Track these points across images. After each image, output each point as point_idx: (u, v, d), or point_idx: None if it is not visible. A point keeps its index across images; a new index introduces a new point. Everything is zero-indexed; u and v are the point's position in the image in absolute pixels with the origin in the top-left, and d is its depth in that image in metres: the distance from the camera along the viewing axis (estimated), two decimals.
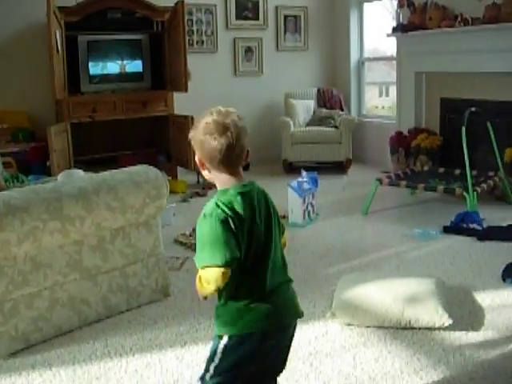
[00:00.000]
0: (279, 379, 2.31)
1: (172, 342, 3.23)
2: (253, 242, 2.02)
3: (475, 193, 5.25)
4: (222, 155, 1.99)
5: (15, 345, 3.17)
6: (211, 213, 1.98)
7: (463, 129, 5.33)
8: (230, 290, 2.05)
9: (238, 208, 1.99)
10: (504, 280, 3.93)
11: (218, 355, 2.10)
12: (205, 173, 2.10)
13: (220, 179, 2.07)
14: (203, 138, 2.00)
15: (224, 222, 1.96)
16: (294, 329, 2.21)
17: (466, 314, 3.44)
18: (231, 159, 2.01)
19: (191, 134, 2.06)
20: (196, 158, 2.08)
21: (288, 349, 2.24)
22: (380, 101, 9.32)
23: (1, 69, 6.95)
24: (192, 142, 2.06)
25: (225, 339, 2.09)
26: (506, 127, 5.99)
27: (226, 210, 1.97)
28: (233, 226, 1.97)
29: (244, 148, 2.03)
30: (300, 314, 2.19)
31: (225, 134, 1.97)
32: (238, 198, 2.00)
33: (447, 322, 3.21)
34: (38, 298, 3.22)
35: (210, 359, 2.12)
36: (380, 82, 9.24)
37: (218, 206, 1.99)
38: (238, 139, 1.99)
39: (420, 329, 3.25)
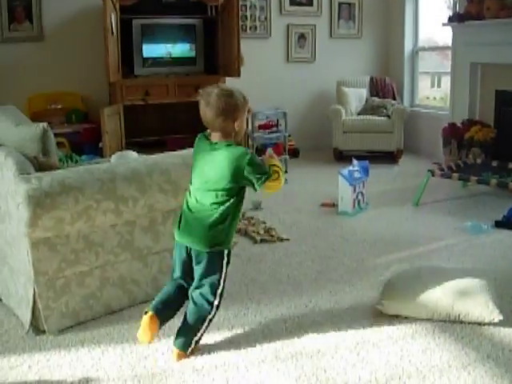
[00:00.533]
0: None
1: (219, 325, 3.25)
2: (196, 169, 2.89)
3: None
4: (201, 117, 2.79)
5: (65, 321, 3.23)
6: None
7: None
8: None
9: (196, 146, 2.92)
10: None
11: None
12: None
13: None
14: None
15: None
16: (199, 255, 2.82)
17: None
18: (205, 122, 2.80)
19: None
20: None
21: (189, 266, 2.89)
22: (431, 92, 9.17)
23: (57, 51, 7.06)
24: None
25: None
26: None
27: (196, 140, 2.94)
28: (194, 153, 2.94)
29: (213, 119, 2.73)
30: (194, 245, 2.81)
31: (201, 103, 2.76)
32: (199, 141, 2.91)
33: (497, 317, 3.16)
34: (89, 276, 3.28)
35: None
36: (432, 72, 9.09)
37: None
38: (210, 109, 2.72)
39: (469, 323, 3.20)
